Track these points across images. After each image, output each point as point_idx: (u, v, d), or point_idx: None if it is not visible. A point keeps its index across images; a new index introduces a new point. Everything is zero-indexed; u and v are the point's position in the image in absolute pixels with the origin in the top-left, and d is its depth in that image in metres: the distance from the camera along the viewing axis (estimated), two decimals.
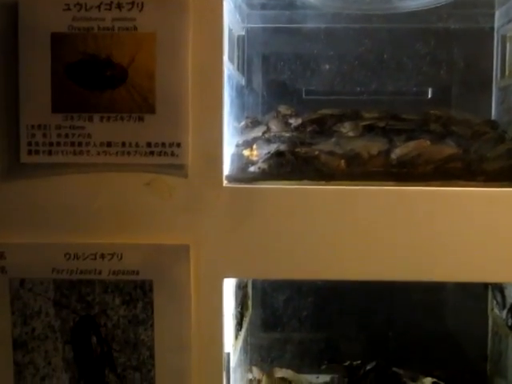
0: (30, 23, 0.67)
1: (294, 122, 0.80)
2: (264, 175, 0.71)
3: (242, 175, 0.71)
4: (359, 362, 0.98)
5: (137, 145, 0.67)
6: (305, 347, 1.04)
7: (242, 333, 0.91)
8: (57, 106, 0.68)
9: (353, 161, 0.72)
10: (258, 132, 0.79)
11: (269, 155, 0.72)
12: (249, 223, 0.68)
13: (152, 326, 0.69)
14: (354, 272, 0.69)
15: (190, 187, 0.68)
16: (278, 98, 0.96)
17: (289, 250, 0.68)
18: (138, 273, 0.69)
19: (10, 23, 0.67)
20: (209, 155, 0.68)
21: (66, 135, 0.68)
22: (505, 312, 0.95)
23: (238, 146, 0.77)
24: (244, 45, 0.98)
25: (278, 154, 0.72)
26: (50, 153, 0.68)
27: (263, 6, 0.99)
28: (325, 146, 0.73)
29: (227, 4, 0.72)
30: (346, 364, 0.99)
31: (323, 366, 1.00)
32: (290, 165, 0.71)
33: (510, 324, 0.93)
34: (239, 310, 0.89)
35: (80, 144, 0.68)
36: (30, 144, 0.68)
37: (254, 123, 0.83)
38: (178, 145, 0.67)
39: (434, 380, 0.96)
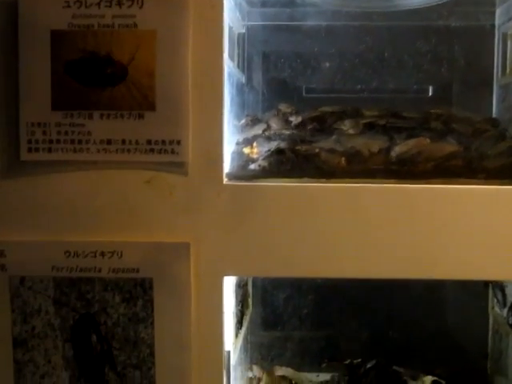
0: (30, 20, 0.67)
1: (295, 119, 0.80)
2: (264, 173, 0.71)
3: (243, 173, 0.71)
4: (359, 360, 0.98)
5: (137, 142, 0.67)
6: (305, 345, 1.04)
7: (243, 331, 0.91)
8: (57, 104, 0.67)
9: (353, 158, 0.72)
10: (258, 130, 0.79)
11: (269, 153, 0.72)
12: (249, 221, 0.68)
13: (152, 324, 0.69)
14: (355, 270, 0.69)
15: (191, 185, 0.68)
16: (278, 96, 0.96)
17: (289, 247, 0.68)
18: (138, 271, 0.68)
19: (10, 20, 0.67)
20: (209, 153, 0.68)
21: (66, 133, 0.68)
22: (505, 310, 0.95)
23: (238, 143, 0.77)
24: (244, 42, 0.98)
25: (279, 151, 0.72)
26: (49, 150, 0.68)
27: (263, 4, 0.98)
28: (325, 143, 0.73)
29: (227, 1, 0.72)
30: (347, 362, 0.99)
31: (323, 365, 1.00)
32: (290, 162, 0.71)
33: (510, 322, 0.93)
34: (239, 308, 0.89)
35: (80, 141, 0.68)
36: (29, 142, 0.68)
37: (255, 121, 0.82)
38: (178, 142, 0.67)
39: (435, 378, 0.96)
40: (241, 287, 0.92)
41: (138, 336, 0.69)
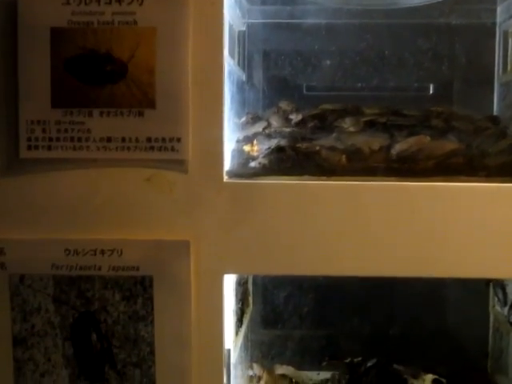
0: (30, 18, 0.67)
1: (295, 117, 0.80)
2: (265, 170, 0.71)
3: (243, 171, 0.71)
4: (360, 358, 0.98)
5: (137, 140, 0.67)
6: (305, 344, 1.04)
7: (243, 329, 0.91)
8: (56, 102, 0.67)
9: (354, 156, 0.72)
10: (258, 127, 0.79)
11: (269, 150, 0.72)
12: (249, 219, 0.68)
13: (152, 322, 0.69)
14: (355, 268, 0.69)
15: (191, 183, 0.68)
16: (278, 94, 0.96)
17: (289, 245, 0.68)
18: (138, 269, 0.68)
19: (9, 18, 0.67)
20: (209, 151, 0.68)
21: (66, 130, 0.67)
22: (506, 309, 0.95)
23: (238, 141, 0.77)
24: (244, 40, 0.98)
25: (279, 149, 0.72)
26: (49, 148, 0.68)
27: (264, 2, 0.98)
28: (326, 141, 0.73)
29: None
30: (347, 361, 0.99)
31: (324, 363, 1.00)
32: (290, 160, 0.71)
33: (511, 321, 0.93)
34: (240, 306, 0.89)
35: (80, 139, 0.67)
36: (29, 139, 0.68)
37: (255, 119, 0.82)
38: (179, 140, 0.67)
39: (435, 377, 0.96)
40: (241, 285, 0.92)
41: (138, 334, 0.69)
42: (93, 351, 0.70)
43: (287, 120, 0.80)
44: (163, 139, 0.67)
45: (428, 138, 0.73)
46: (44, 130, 0.67)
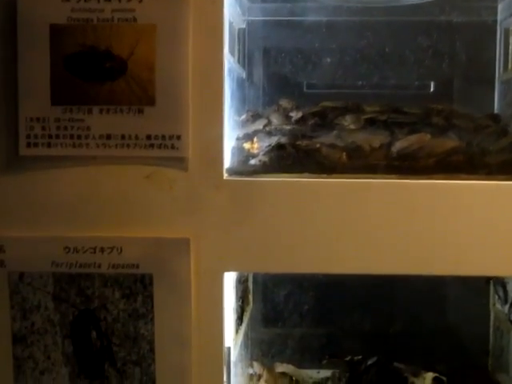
0: (29, 15, 0.66)
1: (295, 115, 0.80)
2: (265, 168, 0.71)
3: (243, 168, 0.71)
4: (360, 357, 0.98)
5: (136, 137, 0.67)
6: (306, 342, 1.04)
7: (243, 327, 0.91)
8: (56, 99, 0.67)
9: (354, 154, 0.71)
10: (258, 125, 0.78)
11: (269, 148, 0.72)
12: (249, 216, 0.68)
13: (152, 319, 0.69)
14: (355, 266, 0.68)
15: (191, 180, 0.68)
16: (278, 92, 0.96)
17: (290, 243, 0.68)
18: (137, 266, 0.68)
19: (9, 15, 0.67)
20: (209, 148, 0.68)
21: (65, 128, 0.67)
22: (507, 307, 0.95)
23: (238, 139, 0.76)
24: (245, 38, 0.97)
25: (279, 146, 0.72)
26: (49, 145, 0.68)
27: None
28: (326, 138, 0.73)
29: None
30: (347, 359, 0.99)
31: (324, 361, 1.00)
32: (290, 158, 0.71)
33: (511, 319, 0.93)
34: (240, 304, 0.89)
35: (79, 137, 0.67)
36: (28, 137, 0.67)
37: (255, 116, 0.82)
38: (178, 137, 0.67)
39: (436, 375, 0.95)
40: (241, 283, 0.92)
41: (138, 332, 0.69)
42: (92, 349, 0.70)
43: (287, 117, 0.80)
44: (163, 136, 0.67)
45: (428, 136, 0.73)
46: (43, 128, 0.67)
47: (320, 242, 0.68)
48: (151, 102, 0.66)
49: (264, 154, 0.72)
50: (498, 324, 1.00)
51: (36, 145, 0.68)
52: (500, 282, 0.96)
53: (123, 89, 0.66)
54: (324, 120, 0.78)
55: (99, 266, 0.68)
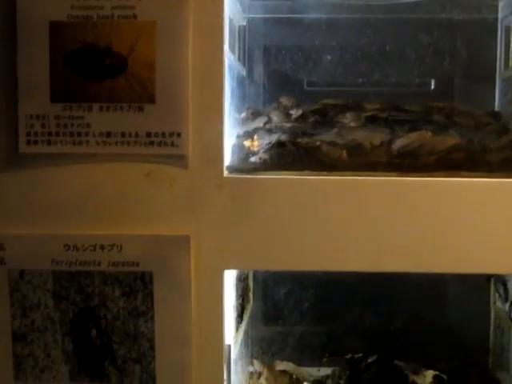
0: (29, 12, 0.66)
1: (295, 112, 0.80)
2: (265, 166, 0.71)
3: (243, 166, 0.71)
4: (361, 354, 0.98)
5: (136, 135, 0.67)
6: (306, 340, 1.04)
7: (243, 325, 0.91)
8: (56, 96, 0.67)
9: (355, 151, 0.71)
10: (259, 123, 0.78)
11: (270, 145, 0.72)
12: (250, 214, 0.68)
13: (152, 317, 0.69)
14: (356, 263, 0.68)
15: (191, 178, 0.68)
16: (279, 89, 0.96)
17: (290, 241, 0.68)
18: (137, 264, 0.68)
19: (9, 12, 0.67)
20: (209, 146, 0.68)
21: (65, 125, 0.67)
22: (507, 305, 0.95)
23: (238, 136, 0.76)
24: (245, 35, 0.97)
25: (279, 144, 0.72)
26: (48, 143, 0.67)
27: None
28: (326, 136, 0.73)
29: None
30: (348, 357, 0.98)
31: (324, 359, 1.00)
32: (291, 155, 0.71)
33: None
34: (240, 302, 0.89)
35: (79, 134, 0.67)
36: (28, 134, 0.67)
37: (255, 114, 0.82)
38: (179, 135, 0.67)
39: (436, 373, 0.95)
40: (241, 281, 0.92)
41: (138, 330, 0.69)
42: (92, 347, 0.69)
43: (288, 115, 0.80)
44: (163, 134, 0.67)
45: (429, 134, 0.73)
46: (43, 125, 0.67)
47: (320, 240, 0.68)
48: (151, 99, 0.66)
49: (264, 152, 0.72)
50: (498, 322, 1.00)
51: (36, 142, 0.67)
52: (501, 279, 0.96)
53: (123, 86, 0.66)
54: (324, 118, 0.78)
55: (99, 264, 0.68)
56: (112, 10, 0.66)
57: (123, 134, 0.67)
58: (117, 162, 0.68)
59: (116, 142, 0.67)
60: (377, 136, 0.73)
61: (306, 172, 0.70)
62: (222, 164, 0.68)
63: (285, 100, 0.84)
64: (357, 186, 0.67)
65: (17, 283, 0.69)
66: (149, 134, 0.67)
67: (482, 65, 0.98)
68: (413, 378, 0.95)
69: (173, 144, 0.67)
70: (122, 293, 0.69)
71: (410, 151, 0.72)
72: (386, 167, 0.70)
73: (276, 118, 0.79)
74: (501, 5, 0.96)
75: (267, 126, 0.77)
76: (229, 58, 0.75)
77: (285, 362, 0.99)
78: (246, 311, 0.94)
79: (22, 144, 0.67)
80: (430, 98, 0.99)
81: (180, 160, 0.67)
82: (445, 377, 0.95)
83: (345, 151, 0.71)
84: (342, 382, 0.96)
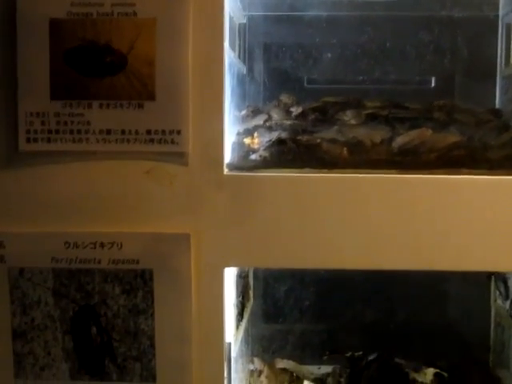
0: (29, 9, 0.66)
1: (296, 110, 0.79)
2: (265, 163, 0.70)
3: (243, 163, 0.71)
4: (361, 352, 0.98)
5: (136, 132, 0.67)
6: (306, 338, 1.04)
7: (243, 323, 0.90)
8: (56, 93, 0.67)
9: (355, 149, 0.71)
10: (259, 120, 0.78)
11: (270, 143, 0.72)
12: (250, 212, 0.67)
13: (152, 315, 0.69)
14: (356, 261, 0.68)
15: (191, 175, 0.68)
16: (279, 87, 0.96)
17: (290, 238, 0.68)
18: (138, 262, 0.68)
19: (8, 9, 0.66)
20: (210, 143, 0.67)
21: (65, 123, 0.67)
22: (508, 303, 0.95)
23: (239, 134, 0.76)
24: (245, 33, 0.97)
25: (280, 141, 0.71)
26: (48, 141, 0.67)
27: None
28: (327, 133, 0.73)
29: None
30: (348, 355, 0.98)
31: (325, 357, 1.00)
32: (291, 153, 0.71)
33: None
34: (240, 299, 0.89)
35: (79, 132, 0.67)
36: (28, 132, 0.67)
37: (256, 112, 0.82)
38: (179, 132, 0.66)
39: (437, 371, 0.95)
40: (242, 278, 0.92)
41: (138, 328, 0.69)
42: (93, 345, 0.69)
43: (288, 113, 0.80)
44: (163, 131, 0.66)
45: (430, 131, 0.73)
46: (43, 123, 0.67)
47: (321, 238, 0.67)
48: (151, 96, 0.66)
49: (264, 149, 0.72)
50: (498, 320, 1.00)
51: (36, 140, 0.67)
52: (501, 277, 0.96)
53: (123, 83, 0.66)
54: (325, 115, 0.78)
55: (99, 262, 0.68)
56: (112, 7, 0.66)
57: (123, 132, 0.67)
58: (117, 159, 0.68)
59: (116, 140, 0.67)
60: (377, 133, 0.73)
61: (307, 170, 0.70)
62: (222, 162, 0.68)
63: (285, 97, 0.84)
64: (357, 184, 0.67)
65: (17, 281, 0.69)
66: (149, 132, 0.67)
67: (482, 62, 0.98)
68: (413, 375, 0.95)
69: (173, 141, 0.67)
70: (122, 290, 0.69)
71: (410, 149, 0.72)
72: (386, 165, 0.70)
73: (276, 115, 0.79)
74: (501, 2, 0.96)
75: (267, 124, 0.77)
76: (229, 56, 0.75)
77: (285, 360, 0.99)
78: (246, 309, 0.94)
79: (22, 142, 0.67)
80: (431, 95, 0.99)
81: (180, 158, 0.67)
82: (445, 374, 0.95)
83: (345, 149, 0.71)
84: (342, 379, 0.96)
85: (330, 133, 0.73)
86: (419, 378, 0.95)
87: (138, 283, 0.68)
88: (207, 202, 0.68)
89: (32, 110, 0.67)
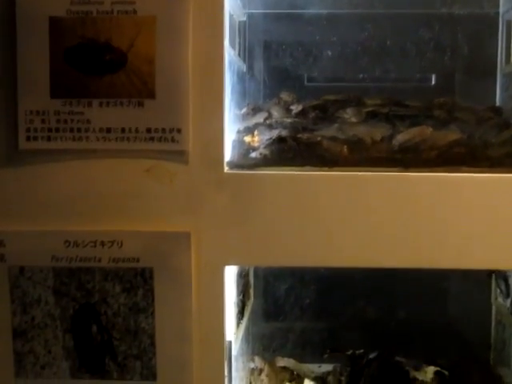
0: (28, 7, 0.66)
1: (296, 108, 0.79)
2: (265, 161, 0.70)
3: (244, 161, 0.70)
4: (362, 351, 0.98)
5: (136, 130, 0.66)
6: (307, 336, 1.04)
7: (244, 322, 0.90)
8: (56, 92, 0.67)
9: (356, 146, 0.71)
10: (259, 118, 0.78)
11: (270, 141, 0.72)
12: (250, 210, 0.67)
13: (153, 313, 0.68)
14: (356, 259, 0.68)
15: (191, 173, 0.67)
16: (279, 85, 0.95)
17: (291, 237, 0.67)
18: (138, 260, 0.68)
19: (8, 8, 0.66)
20: (210, 141, 0.67)
21: (65, 121, 0.67)
22: (509, 301, 0.95)
23: (239, 132, 0.76)
24: (245, 31, 0.97)
25: (280, 139, 0.71)
26: (48, 139, 0.67)
27: None
28: (327, 131, 0.73)
29: None
30: (349, 353, 0.98)
31: (325, 355, 1.00)
32: (291, 151, 0.71)
33: None
34: (241, 298, 0.89)
35: (79, 130, 0.67)
36: (28, 130, 0.67)
37: (256, 110, 0.82)
38: (179, 130, 0.66)
39: (437, 369, 0.95)
40: (242, 277, 0.92)
41: (139, 326, 0.69)
42: (93, 343, 0.69)
43: (288, 110, 0.80)
44: (163, 130, 0.66)
45: (430, 129, 0.73)
46: (43, 121, 0.67)
47: (321, 236, 0.67)
48: (151, 94, 0.66)
49: (265, 147, 0.71)
50: (499, 318, 1.00)
51: (36, 138, 0.67)
52: (502, 275, 0.96)
53: (123, 81, 0.66)
54: (325, 113, 0.78)
55: (99, 260, 0.68)
56: (112, 6, 0.65)
57: (123, 130, 0.67)
58: (117, 157, 0.67)
59: (116, 138, 0.67)
60: (378, 131, 0.73)
61: (307, 167, 0.70)
62: (222, 160, 0.68)
63: (285, 95, 0.84)
64: (358, 182, 0.67)
65: (17, 280, 0.69)
66: (149, 130, 0.66)
67: (482, 60, 0.98)
68: (414, 374, 0.95)
69: (173, 140, 0.66)
70: (122, 289, 0.69)
71: (410, 146, 0.72)
72: (386, 162, 0.70)
73: (276, 113, 0.79)
74: None
75: (268, 122, 0.77)
76: (229, 54, 0.74)
77: (286, 359, 0.99)
78: (246, 307, 0.94)
79: (22, 140, 0.67)
80: (431, 93, 0.99)
81: (180, 156, 0.67)
82: (446, 373, 0.95)
83: (345, 146, 0.71)
84: (343, 378, 0.96)
85: (330, 131, 0.73)
86: (420, 376, 0.95)
87: (139, 282, 0.68)
88: (207, 200, 0.68)
89: (32, 109, 0.67)
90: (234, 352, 0.75)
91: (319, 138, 0.72)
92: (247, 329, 0.95)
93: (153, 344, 0.69)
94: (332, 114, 0.77)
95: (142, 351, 0.69)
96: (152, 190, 0.68)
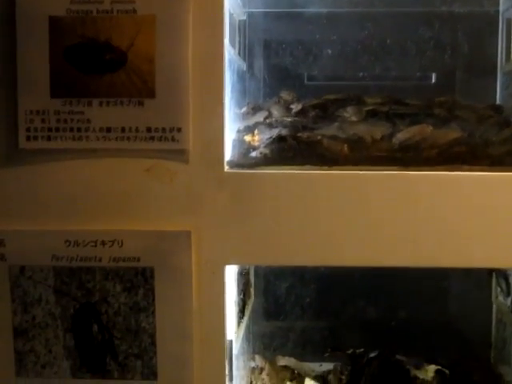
0: (28, 7, 0.66)
1: (296, 107, 0.79)
2: (266, 160, 0.70)
3: (244, 160, 0.70)
4: (362, 349, 0.98)
5: (137, 130, 0.66)
6: (307, 335, 1.04)
7: (245, 321, 0.90)
8: (56, 91, 0.67)
9: (356, 145, 0.71)
10: (259, 117, 0.78)
11: (270, 140, 0.71)
12: (251, 209, 0.67)
13: (153, 313, 0.68)
14: (357, 258, 0.68)
15: (191, 173, 0.67)
16: (279, 84, 0.95)
17: (291, 236, 0.67)
18: (138, 259, 0.68)
19: (8, 7, 0.66)
20: (210, 140, 0.67)
21: (65, 120, 0.67)
22: (509, 299, 0.95)
23: (239, 131, 0.76)
24: (245, 29, 0.97)
25: (280, 138, 0.71)
26: (48, 138, 0.67)
27: None
28: (327, 130, 0.73)
29: None
30: (349, 352, 0.98)
31: (326, 354, 1.00)
32: (292, 150, 0.71)
33: None
34: (241, 297, 0.89)
35: (79, 129, 0.67)
36: (28, 130, 0.67)
37: (256, 109, 0.82)
38: (179, 130, 0.66)
39: (438, 367, 0.95)
40: (242, 276, 0.92)
41: (139, 325, 0.69)
42: (94, 342, 0.69)
43: (288, 109, 0.79)
44: (163, 129, 0.66)
45: (430, 127, 0.73)
46: (43, 121, 0.67)
47: (321, 235, 0.67)
48: (151, 94, 0.66)
49: (265, 147, 0.71)
50: (500, 316, 1.00)
51: (36, 138, 0.67)
52: (502, 274, 0.96)
53: (123, 81, 0.66)
54: (325, 112, 0.78)
55: (100, 260, 0.68)
56: (111, 5, 0.65)
57: (123, 129, 0.67)
58: (117, 157, 0.67)
59: (116, 138, 0.67)
60: (378, 130, 0.73)
61: (307, 166, 0.70)
62: (222, 159, 0.68)
63: (285, 94, 0.84)
64: (358, 180, 0.67)
65: (18, 279, 0.69)
66: (149, 129, 0.66)
67: (483, 58, 0.98)
68: (415, 372, 0.95)
69: (173, 139, 0.66)
70: (123, 288, 0.69)
71: (411, 145, 0.71)
72: (387, 161, 0.70)
73: (276, 112, 0.79)
74: None
75: (268, 121, 0.77)
76: (229, 53, 0.74)
77: (286, 358, 0.99)
78: (247, 306, 0.94)
79: (22, 139, 0.67)
80: (431, 91, 0.99)
81: (180, 155, 0.67)
82: (447, 371, 0.95)
83: (346, 145, 0.71)
84: (343, 377, 0.96)
85: (330, 129, 0.73)
86: (420, 374, 0.95)
87: (139, 281, 0.68)
88: (208, 199, 0.68)
89: (32, 108, 0.67)
90: (234, 351, 0.75)
91: (319, 137, 0.71)
92: (248, 328, 0.95)
93: (153, 343, 0.69)
94: (332, 112, 0.77)
95: (142, 350, 0.69)
96: (152, 190, 0.68)
